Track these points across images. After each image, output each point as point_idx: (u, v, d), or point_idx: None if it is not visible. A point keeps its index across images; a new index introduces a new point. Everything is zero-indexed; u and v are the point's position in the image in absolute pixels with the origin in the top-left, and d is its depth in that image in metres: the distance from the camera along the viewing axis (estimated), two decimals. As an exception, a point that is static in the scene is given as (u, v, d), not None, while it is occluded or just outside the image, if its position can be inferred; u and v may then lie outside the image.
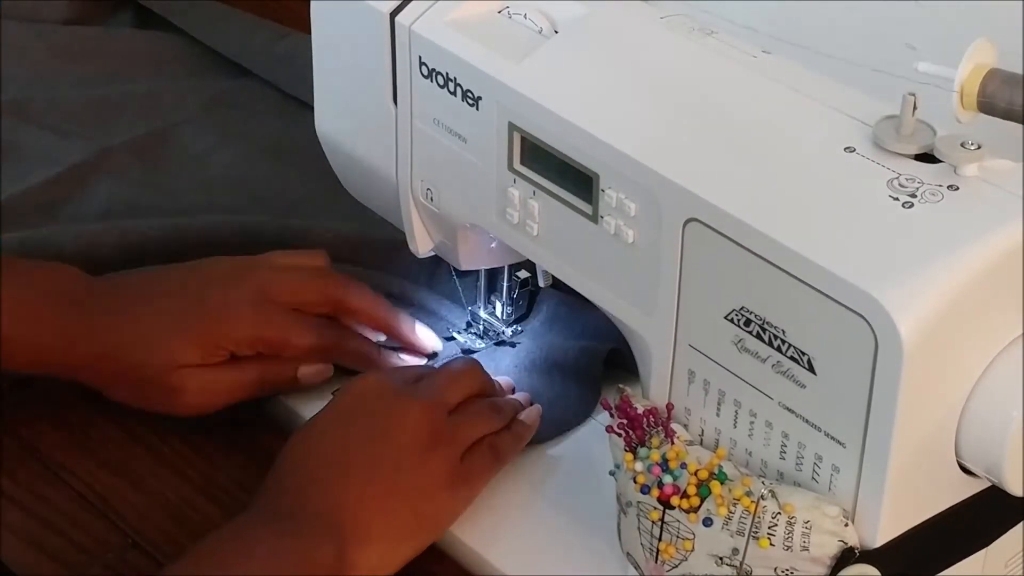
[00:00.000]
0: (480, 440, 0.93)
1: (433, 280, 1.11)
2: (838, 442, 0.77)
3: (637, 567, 0.86)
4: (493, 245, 0.99)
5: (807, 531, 0.78)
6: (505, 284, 1.06)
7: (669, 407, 0.85)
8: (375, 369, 1.00)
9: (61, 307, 0.98)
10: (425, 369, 0.99)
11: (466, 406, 0.94)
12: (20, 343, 0.97)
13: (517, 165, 0.89)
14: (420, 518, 0.89)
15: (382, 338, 1.04)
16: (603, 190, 0.85)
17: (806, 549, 0.78)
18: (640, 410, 0.84)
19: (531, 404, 0.99)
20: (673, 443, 0.83)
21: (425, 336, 1.05)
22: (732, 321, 0.80)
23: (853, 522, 0.78)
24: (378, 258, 1.12)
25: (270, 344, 1.00)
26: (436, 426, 0.91)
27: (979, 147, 0.77)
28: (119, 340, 0.98)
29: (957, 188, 0.76)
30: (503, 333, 1.07)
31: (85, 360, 0.98)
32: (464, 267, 1.02)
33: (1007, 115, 0.78)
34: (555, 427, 0.99)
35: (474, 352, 1.06)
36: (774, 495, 0.79)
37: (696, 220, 0.80)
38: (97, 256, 1.10)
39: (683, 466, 0.82)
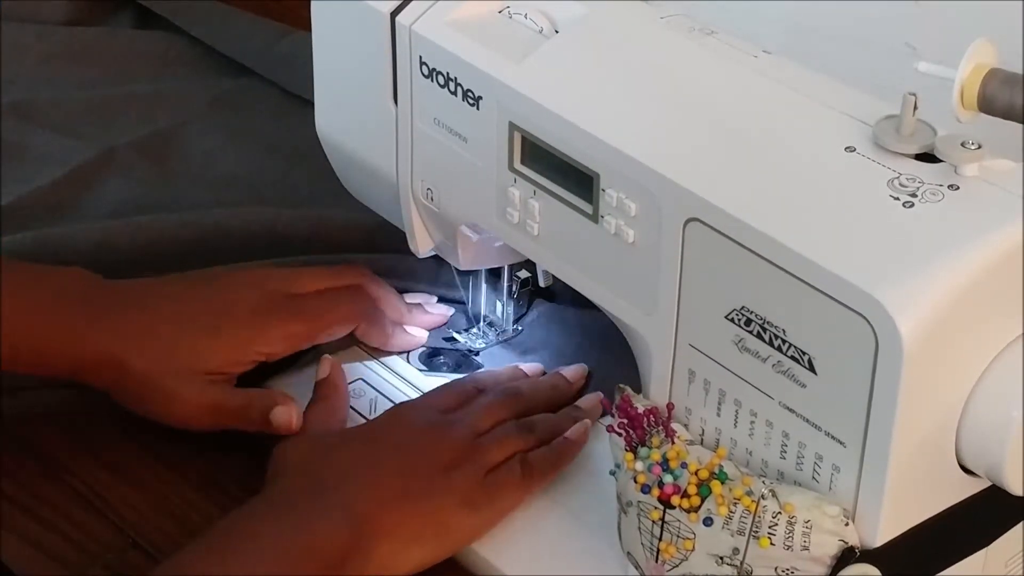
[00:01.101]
0: (510, 457, 0.93)
1: (436, 279, 1.11)
2: (838, 442, 0.77)
3: (637, 567, 0.85)
4: (493, 245, 0.99)
5: (807, 531, 0.78)
6: (505, 284, 1.06)
7: (669, 407, 0.85)
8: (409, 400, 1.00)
9: (68, 306, 0.98)
10: (463, 395, 0.98)
11: (496, 427, 0.94)
12: (24, 342, 0.97)
13: (517, 165, 0.89)
14: (438, 527, 0.89)
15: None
16: (603, 190, 0.85)
17: (806, 549, 0.78)
18: (640, 410, 0.84)
19: (588, 413, 0.98)
20: (673, 443, 0.83)
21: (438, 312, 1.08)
22: (732, 321, 0.80)
23: (853, 522, 0.78)
24: (392, 246, 1.11)
25: (307, 324, 1.01)
26: (461, 447, 0.91)
27: (979, 147, 0.77)
28: (129, 341, 0.97)
29: (957, 188, 0.76)
30: (503, 333, 1.07)
31: (93, 361, 0.97)
32: (464, 267, 1.02)
33: (1007, 115, 0.78)
34: None
35: (474, 352, 1.06)
36: (774, 495, 0.79)
37: (696, 220, 0.80)
38: (112, 253, 1.10)
39: (683, 466, 0.82)
